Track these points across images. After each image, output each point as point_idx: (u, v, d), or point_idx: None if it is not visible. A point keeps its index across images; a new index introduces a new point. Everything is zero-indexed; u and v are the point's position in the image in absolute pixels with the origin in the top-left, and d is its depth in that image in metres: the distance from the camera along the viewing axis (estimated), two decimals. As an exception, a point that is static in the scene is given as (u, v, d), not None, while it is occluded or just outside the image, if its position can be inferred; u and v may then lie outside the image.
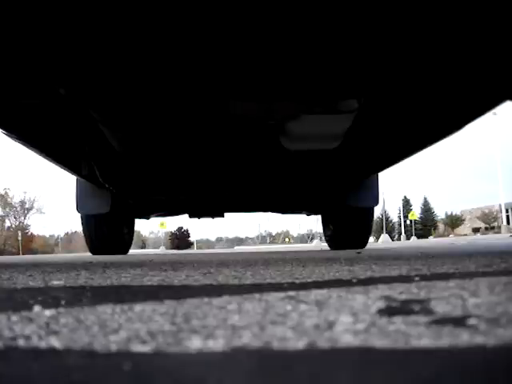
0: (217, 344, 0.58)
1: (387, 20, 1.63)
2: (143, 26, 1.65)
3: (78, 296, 1.06)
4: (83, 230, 5.63)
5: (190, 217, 6.09)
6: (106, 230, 5.44)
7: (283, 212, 6.17)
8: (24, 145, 3.04)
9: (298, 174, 3.69)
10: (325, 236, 6.50)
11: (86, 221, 5.45)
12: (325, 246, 8.02)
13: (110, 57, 1.86)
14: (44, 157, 3.39)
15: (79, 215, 5.41)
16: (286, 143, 2.78)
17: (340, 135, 2.57)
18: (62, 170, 3.83)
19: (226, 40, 1.76)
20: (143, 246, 71.71)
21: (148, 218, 6.64)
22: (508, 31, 1.67)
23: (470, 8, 1.54)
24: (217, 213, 5.79)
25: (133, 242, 6.46)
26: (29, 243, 49.55)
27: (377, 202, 5.09)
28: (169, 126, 2.67)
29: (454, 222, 57.44)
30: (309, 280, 1.30)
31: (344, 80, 1.98)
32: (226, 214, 6.10)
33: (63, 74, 1.99)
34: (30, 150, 3.20)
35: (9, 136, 2.84)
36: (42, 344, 0.60)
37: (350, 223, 5.40)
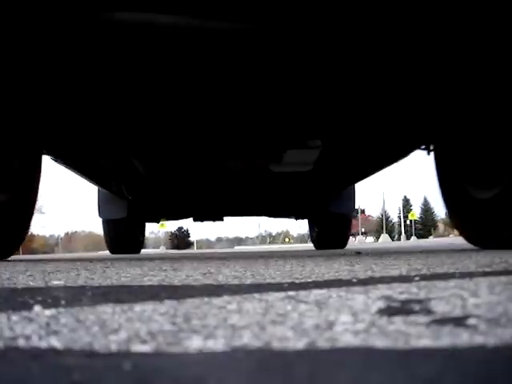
0: (217, 344, 0.58)
1: (335, 103, 2.58)
2: (179, 130, 2.98)
3: (78, 296, 1.06)
4: (104, 232, 6.71)
5: (195, 220, 7.22)
6: (123, 233, 6.46)
7: (274, 217, 7.52)
8: (67, 168, 3.95)
9: (282, 188, 4.90)
10: (311, 237, 7.89)
11: (107, 224, 6.50)
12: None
13: (159, 140, 3.20)
14: (81, 176, 4.35)
15: (100, 219, 6.42)
16: (273, 168, 3.84)
17: (311, 162, 3.60)
18: (93, 184, 4.99)
19: (224, 135, 3.13)
20: (143, 246, 71.62)
21: (158, 222, 7.94)
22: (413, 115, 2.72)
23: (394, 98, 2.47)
24: (217, 217, 6.97)
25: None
26: (29, 243, 49.56)
27: (353, 209, 6.57)
28: (184, 167, 3.92)
29: (454, 221, 57.40)
30: (309, 280, 1.31)
31: (309, 132, 3.15)
32: (225, 218, 7.15)
33: (135, 149, 3.38)
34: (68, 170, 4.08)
35: (56, 161, 3.71)
36: (43, 344, 0.60)
37: (331, 227, 6.59)
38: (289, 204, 5.90)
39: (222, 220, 7.10)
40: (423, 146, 3.16)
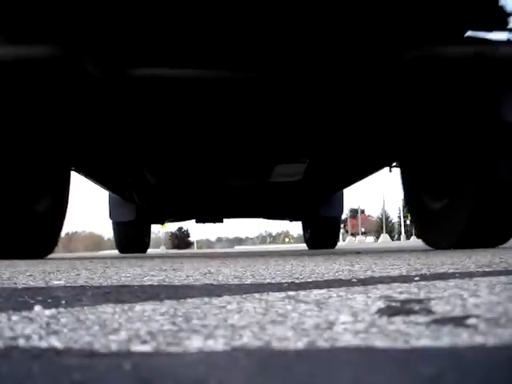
0: (217, 344, 0.58)
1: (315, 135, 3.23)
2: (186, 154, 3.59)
3: (79, 296, 1.06)
4: (114, 233, 7.41)
5: (197, 222, 8.00)
6: (132, 234, 7.16)
7: (269, 218, 8.09)
8: (87, 178, 4.49)
9: (276, 194, 5.36)
10: (304, 238, 8.47)
11: (117, 226, 7.19)
12: None
13: (169, 160, 3.73)
14: (98, 185, 5.01)
15: (111, 221, 7.16)
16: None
17: (300, 173, 4.10)
18: (107, 191, 5.86)
19: (224, 159, 3.71)
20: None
21: (163, 224, 9.01)
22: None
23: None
24: (217, 219, 7.65)
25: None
26: (29, 243, 49.45)
27: (341, 213, 7.23)
28: (188, 181, 4.49)
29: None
30: (309, 280, 1.31)
31: (298, 152, 3.64)
32: (224, 219, 7.89)
33: (149, 166, 3.84)
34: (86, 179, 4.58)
35: (78, 173, 4.17)
36: (43, 344, 0.60)
37: (322, 229, 7.23)
38: (282, 208, 6.52)
39: (222, 222, 7.87)
40: (394, 164, 4.04)
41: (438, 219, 3.06)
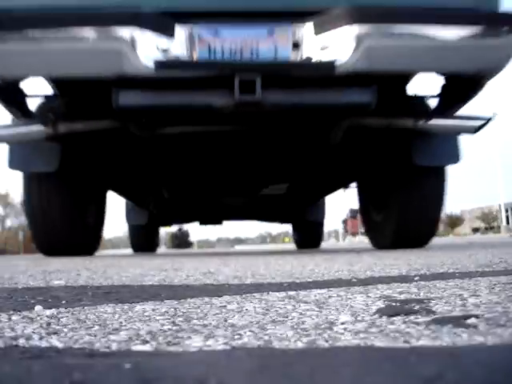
0: (217, 343, 0.58)
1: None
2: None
3: (79, 296, 1.06)
4: (129, 235, 9.13)
5: (200, 224, 9.56)
6: (144, 235, 8.82)
7: (262, 221, 9.54)
8: (119, 195, 5.83)
9: (266, 202, 6.66)
10: (293, 238, 10.32)
11: (132, 229, 8.81)
12: (324, 244, 10.44)
13: (181, 183, 4.94)
14: (125, 198, 6.68)
15: (127, 224, 8.75)
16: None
17: (283, 189, 5.48)
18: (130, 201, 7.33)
19: (222, 187, 5.20)
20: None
21: (170, 226, 10.99)
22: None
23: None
24: (217, 222, 9.37)
25: (134, 242, 9.34)
26: (30, 243, 49.60)
27: (324, 218, 8.66)
28: (194, 197, 5.85)
29: (453, 221, 57.40)
30: (309, 280, 1.31)
31: (279, 181, 5.06)
32: (224, 222, 9.61)
33: (166, 186, 5.09)
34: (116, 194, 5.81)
35: (113, 192, 5.33)
36: (43, 343, 0.60)
37: (308, 231, 8.83)
38: (271, 212, 8.18)
39: (221, 224, 9.54)
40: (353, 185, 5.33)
41: (378, 227, 4.25)
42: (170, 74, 2.61)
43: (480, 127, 3.07)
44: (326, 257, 2.94)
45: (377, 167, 4.20)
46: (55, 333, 0.66)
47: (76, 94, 3.16)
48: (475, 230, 51.24)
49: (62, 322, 0.73)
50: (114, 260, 3.33)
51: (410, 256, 2.53)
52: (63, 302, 0.95)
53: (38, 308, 0.85)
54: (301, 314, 0.76)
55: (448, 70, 2.71)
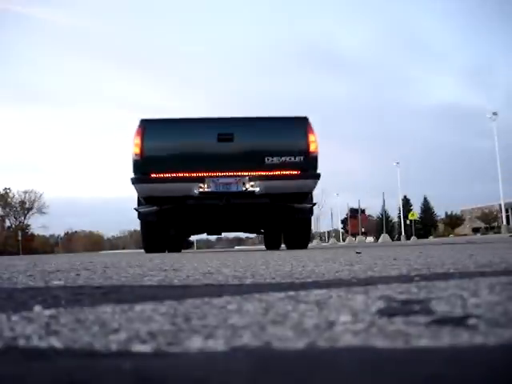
0: (217, 344, 0.58)
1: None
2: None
3: (78, 296, 1.06)
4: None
5: (208, 235, 12.74)
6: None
7: (250, 232, 12.42)
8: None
9: (251, 223, 9.62)
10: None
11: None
12: (324, 244, 11.18)
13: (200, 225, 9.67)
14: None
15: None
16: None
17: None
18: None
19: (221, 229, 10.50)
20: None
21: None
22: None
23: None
24: (218, 233, 12.19)
25: (134, 242, 11.89)
26: (29, 243, 49.61)
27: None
28: (200, 229, 10.33)
29: (453, 221, 57.40)
30: (309, 280, 1.30)
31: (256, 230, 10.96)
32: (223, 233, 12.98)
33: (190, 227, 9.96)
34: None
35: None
36: (43, 344, 0.60)
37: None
38: (256, 228, 11.06)
39: (221, 234, 12.87)
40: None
41: (288, 238, 8.38)
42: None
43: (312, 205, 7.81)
44: (326, 257, 2.94)
45: (277, 220, 8.20)
46: (55, 333, 0.66)
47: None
48: (475, 230, 51.24)
49: (61, 323, 0.73)
50: (113, 260, 3.33)
51: (410, 256, 2.54)
52: (63, 302, 0.95)
53: (37, 308, 0.85)
54: (301, 314, 0.76)
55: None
